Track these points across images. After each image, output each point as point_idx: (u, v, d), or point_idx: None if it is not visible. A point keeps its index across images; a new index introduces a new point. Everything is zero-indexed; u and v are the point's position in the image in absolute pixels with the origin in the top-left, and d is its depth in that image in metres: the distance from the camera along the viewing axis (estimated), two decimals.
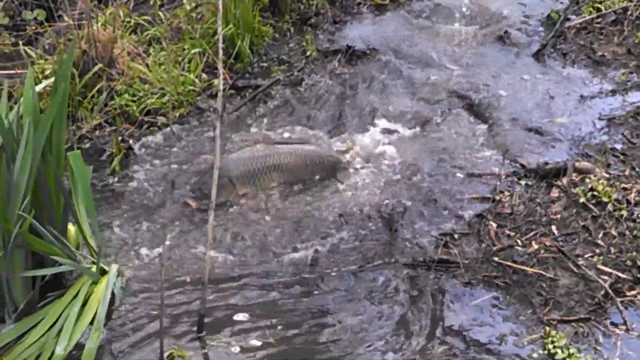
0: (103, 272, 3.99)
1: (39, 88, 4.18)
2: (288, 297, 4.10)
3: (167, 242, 4.33)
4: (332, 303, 4.05)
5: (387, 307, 3.97)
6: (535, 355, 3.64)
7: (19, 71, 5.19)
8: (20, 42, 5.47)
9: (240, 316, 3.99)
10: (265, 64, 5.62)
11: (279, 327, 3.94)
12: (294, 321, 3.97)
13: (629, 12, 5.86)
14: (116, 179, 4.81)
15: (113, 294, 3.96)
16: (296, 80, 5.50)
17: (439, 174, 4.73)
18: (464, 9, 6.14)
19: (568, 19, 6.01)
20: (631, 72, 5.43)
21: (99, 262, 3.98)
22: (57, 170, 3.89)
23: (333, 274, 4.17)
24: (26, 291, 3.91)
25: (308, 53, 5.74)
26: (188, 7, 5.71)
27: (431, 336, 3.78)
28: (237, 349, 3.79)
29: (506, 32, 5.90)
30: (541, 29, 5.96)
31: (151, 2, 5.84)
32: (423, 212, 4.47)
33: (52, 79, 4.22)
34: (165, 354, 3.61)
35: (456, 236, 4.31)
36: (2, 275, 3.81)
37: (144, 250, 4.35)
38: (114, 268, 4.01)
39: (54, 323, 3.78)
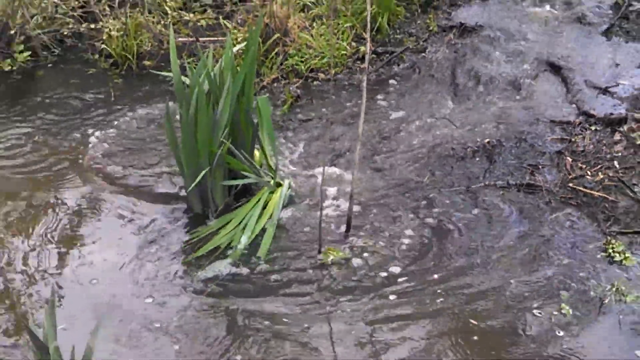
0: (278, 185, 4.19)
1: (235, 50, 4.29)
2: (414, 201, 4.30)
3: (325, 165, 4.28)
4: (444, 207, 4.23)
5: (484, 213, 4.17)
6: (598, 256, 3.80)
7: (220, 38, 5.34)
8: (221, 17, 5.68)
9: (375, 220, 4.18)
10: (398, 36, 5.70)
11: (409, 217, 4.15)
12: (423, 218, 4.16)
13: None
14: (287, 118, 5.01)
15: (285, 201, 4.17)
16: (421, 48, 5.65)
17: (528, 121, 4.81)
18: None
19: (631, 5, 5.83)
20: None
21: (276, 177, 4.21)
22: (248, 109, 4.09)
23: (447, 191, 4.33)
24: (224, 197, 4.19)
25: (430, 28, 5.87)
26: None
27: (516, 238, 3.99)
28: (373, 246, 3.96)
29: (583, 14, 5.81)
30: (610, 12, 5.78)
31: None
32: (515, 148, 4.59)
33: (244, 44, 4.43)
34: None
35: (540, 167, 4.45)
36: (208, 185, 4.06)
37: (305, 170, 4.57)
38: (286, 182, 4.21)
39: (242, 220, 4.04)
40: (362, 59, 5.20)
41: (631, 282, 3.66)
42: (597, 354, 3.32)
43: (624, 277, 3.69)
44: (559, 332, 3.45)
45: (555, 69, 5.37)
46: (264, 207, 4.13)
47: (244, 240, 3.98)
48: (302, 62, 5.39)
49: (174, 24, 5.55)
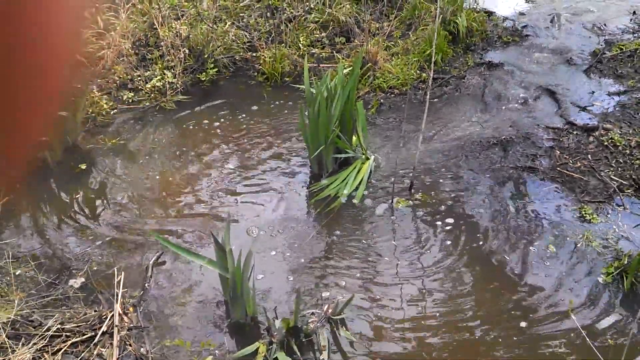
0: (367, 158, 4.23)
1: (343, 72, 4.20)
2: (454, 172, 4.26)
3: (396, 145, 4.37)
4: (473, 174, 4.23)
5: (499, 184, 4.14)
6: (575, 216, 3.77)
7: (334, 65, 5.32)
8: (334, 52, 5.74)
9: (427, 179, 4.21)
10: (447, 68, 5.62)
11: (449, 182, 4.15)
12: (460, 185, 4.17)
13: (638, 51, 5.63)
14: (374, 117, 4.96)
15: (371, 170, 4.22)
16: (462, 76, 5.51)
17: (531, 126, 4.72)
18: (549, 45, 5.87)
19: (604, 53, 5.63)
20: (637, 82, 5.22)
21: (366, 153, 4.25)
22: (351, 110, 4.12)
23: (470, 170, 4.29)
24: (333, 164, 4.25)
25: (469, 63, 5.74)
26: (412, 39, 5.75)
27: (521, 202, 4.01)
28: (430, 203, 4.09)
29: (571, 58, 5.63)
30: (589, 57, 5.59)
31: (394, 36, 5.90)
32: (522, 143, 4.50)
33: (350, 69, 4.46)
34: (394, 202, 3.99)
35: (538, 156, 4.38)
36: (323, 156, 4.15)
37: (384, 150, 4.53)
38: (372, 157, 4.26)
39: (344, 180, 4.13)
40: (424, 82, 5.19)
41: (596, 234, 3.67)
42: (570, 275, 3.31)
43: (591, 230, 3.69)
44: (546, 263, 3.42)
45: (550, 93, 5.21)
46: (358, 172, 4.17)
47: (346, 191, 4.05)
48: (384, 82, 5.36)
49: (305, 55, 5.59)
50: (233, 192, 4.17)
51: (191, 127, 4.96)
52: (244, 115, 5.12)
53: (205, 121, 5.02)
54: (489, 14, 6.66)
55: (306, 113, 4.10)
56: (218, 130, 4.91)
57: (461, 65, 5.75)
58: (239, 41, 5.83)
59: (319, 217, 3.89)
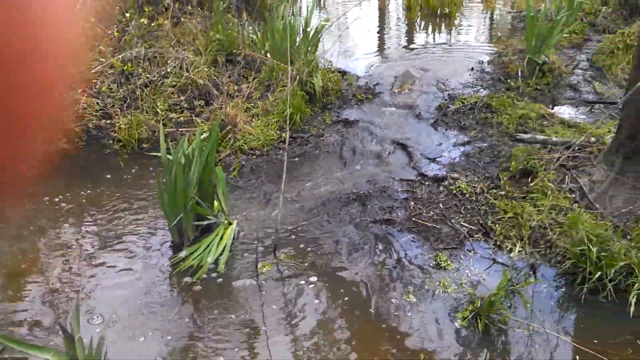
0: (230, 223, 4.13)
1: (202, 136, 4.17)
2: (316, 229, 4.26)
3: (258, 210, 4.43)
4: (334, 230, 4.24)
5: (360, 238, 4.16)
6: (431, 264, 3.87)
7: (193, 129, 5.31)
8: (193, 116, 5.71)
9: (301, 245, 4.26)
10: (306, 127, 5.72)
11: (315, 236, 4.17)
12: (323, 242, 4.18)
13: (477, 104, 5.99)
14: (236, 180, 4.93)
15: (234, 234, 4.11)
16: (321, 134, 5.64)
17: (387, 180, 4.86)
18: (399, 102, 6.20)
19: (448, 107, 5.99)
20: (478, 132, 5.57)
21: (228, 219, 4.16)
22: (210, 175, 4.05)
23: (332, 227, 4.30)
24: (194, 231, 4.11)
25: (326, 122, 5.89)
26: (271, 99, 5.83)
27: (381, 254, 4.03)
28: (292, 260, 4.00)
29: (420, 113, 5.97)
30: (436, 111, 5.95)
31: (254, 97, 6.00)
32: (378, 196, 4.60)
33: (208, 133, 4.41)
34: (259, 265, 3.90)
35: (395, 208, 4.47)
36: (183, 224, 4.00)
37: (247, 213, 4.46)
38: (235, 222, 4.16)
39: (206, 247, 3.99)
40: (284, 142, 5.15)
41: (451, 280, 3.77)
42: (429, 323, 3.40)
43: (447, 276, 3.78)
44: (407, 314, 3.50)
45: (403, 147, 5.45)
46: (221, 238, 4.08)
47: (209, 260, 3.93)
48: (245, 144, 5.40)
49: (162, 120, 5.53)
50: (86, 273, 3.90)
51: (40, 201, 4.63)
52: (98, 186, 4.90)
53: (59, 195, 4.72)
54: (343, 73, 6.98)
55: (164, 180, 3.97)
56: (70, 205, 4.64)
57: (319, 123, 5.89)
58: (90, 109, 5.62)
59: (183, 291, 3.72)
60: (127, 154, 5.39)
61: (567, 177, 4.55)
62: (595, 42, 8.23)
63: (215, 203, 4.26)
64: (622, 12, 8.91)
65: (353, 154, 5.36)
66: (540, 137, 5.15)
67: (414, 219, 4.36)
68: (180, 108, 5.88)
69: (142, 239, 4.23)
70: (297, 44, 6.56)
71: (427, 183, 4.83)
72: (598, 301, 3.50)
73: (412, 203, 4.55)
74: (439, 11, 10.14)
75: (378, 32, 9.71)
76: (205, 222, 4.13)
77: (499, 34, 9.01)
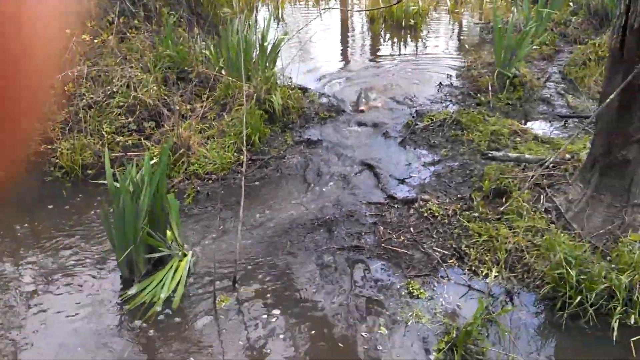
0: (184, 255, 4.11)
1: (152, 162, 4.29)
2: (278, 261, 4.26)
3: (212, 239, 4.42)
4: (298, 259, 4.22)
5: (326, 267, 4.16)
6: (403, 292, 3.87)
7: (142, 153, 5.18)
8: (142, 138, 5.66)
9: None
10: (266, 148, 5.77)
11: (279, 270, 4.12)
12: (286, 272, 4.13)
13: (446, 120, 6.09)
14: (190, 207, 4.91)
15: (189, 267, 4.09)
16: (281, 156, 5.68)
17: (354, 203, 4.91)
18: (365, 119, 6.32)
19: (417, 124, 6.09)
20: (449, 150, 5.67)
21: (183, 250, 4.14)
22: (161, 203, 4.02)
23: (296, 256, 4.30)
24: (145, 265, 4.08)
25: (287, 142, 5.95)
26: (227, 120, 5.88)
27: (349, 284, 4.00)
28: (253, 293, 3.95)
29: (387, 131, 6.07)
30: (403, 129, 6.05)
31: (208, 117, 6.03)
32: (345, 221, 4.65)
33: (159, 157, 4.26)
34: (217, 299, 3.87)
35: (363, 234, 4.50)
36: (133, 257, 3.98)
37: (204, 242, 4.44)
38: (190, 253, 4.14)
39: (159, 282, 3.94)
40: (242, 164, 5.18)
41: (425, 309, 3.77)
42: (404, 356, 3.41)
43: (420, 306, 3.79)
44: (378, 347, 3.50)
45: (370, 167, 5.51)
46: (175, 271, 4.03)
47: (162, 295, 3.88)
48: (200, 168, 5.38)
49: (109, 144, 5.46)
50: (26, 315, 3.78)
51: None
52: (37, 218, 4.79)
53: None
54: (305, 90, 7.07)
55: (111, 210, 3.95)
56: (6, 239, 4.51)
57: (280, 144, 5.94)
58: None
59: (134, 332, 3.63)
60: (70, 182, 5.29)
61: (542, 196, 4.63)
62: (567, 54, 8.55)
63: (168, 233, 4.22)
64: (592, 21, 9.25)
65: (317, 177, 5.41)
66: (513, 154, 5.24)
67: (383, 244, 4.38)
68: (128, 130, 5.82)
69: (87, 276, 4.14)
70: (254, 59, 6.63)
71: (396, 206, 4.87)
72: (579, 327, 3.53)
73: (382, 228, 4.57)
74: (403, 23, 10.35)
75: (341, 46, 9.88)
76: (158, 255, 4.07)
77: (467, 47, 9.24)
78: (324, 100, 6.78)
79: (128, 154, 5.50)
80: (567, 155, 5.04)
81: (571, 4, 9.80)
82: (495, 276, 3.94)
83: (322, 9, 11.28)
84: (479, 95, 7.02)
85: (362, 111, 6.57)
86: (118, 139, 5.71)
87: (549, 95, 7.15)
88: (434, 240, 4.43)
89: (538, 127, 6.39)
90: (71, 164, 5.32)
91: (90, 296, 3.95)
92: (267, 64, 6.69)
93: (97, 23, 6.67)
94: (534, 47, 7.86)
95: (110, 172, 3.97)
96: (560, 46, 8.91)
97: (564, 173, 4.83)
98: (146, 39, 6.94)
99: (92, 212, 4.89)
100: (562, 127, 6.38)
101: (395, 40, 10.04)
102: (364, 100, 6.76)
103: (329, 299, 3.89)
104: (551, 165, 4.87)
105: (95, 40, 6.40)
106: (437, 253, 4.28)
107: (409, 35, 10.18)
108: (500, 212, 4.55)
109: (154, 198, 3.97)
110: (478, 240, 4.30)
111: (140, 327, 3.69)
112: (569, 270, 3.59)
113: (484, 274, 4.02)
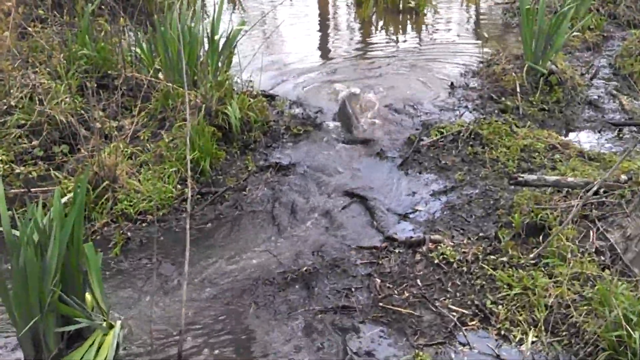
0: (111, 326, 4.07)
1: (64, 200, 4.19)
2: (238, 330, 4.22)
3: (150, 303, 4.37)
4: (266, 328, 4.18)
5: (304, 337, 4.11)
6: None
7: (50, 188, 5.13)
8: (51, 168, 5.55)
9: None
10: (220, 177, 5.73)
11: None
12: (248, 346, 4.09)
13: (461, 134, 6.09)
14: (118, 260, 4.87)
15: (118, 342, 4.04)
16: (242, 187, 5.66)
17: (340, 248, 4.89)
18: (352, 135, 6.30)
19: (422, 140, 6.12)
20: (465, 174, 5.66)
21: (108, 319, 4.10)
22: (77, 256, 3.98)
23: (262, 323, 4.26)
24: (57, 342, 3.99)
25: (249, 168, 5.91)
26: (167, 140, 5.87)
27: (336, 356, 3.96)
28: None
29: (382, 150, 6.05)
30: (404, 147, 6.04)
31: (141, 137, 5.98)
32: (329, 273, 4.63)
33: (73, 194, 4.24)
34: None
35: (353, 289, 4.47)
36: (40, 332, 3.88)
37: (138, 308, 4.42)
38: (118, 323, 4.11)
39: None
40: (187, 200, 5.09)
41: None
42: None
43: None
44: None
45: (361, 199, 5.51)
46: (99, 349, 3.98)
47: None
48: (131, 206, 5.33)
49: (5, 177, 5.40)
50: None
51: None
52: None
53: None
54: (271, 98, 7.05)
55: (9, 267, 3.89)
56: None
57: (240, 171, 5.93)
58: None
59: None
60: None
61: (591, 232, 4.62)
62: (618, 41, 8.59)
63: (88, 297, 4.20)
64: None
65: (290, 214, 5.43)
66: (551, 177, 5.19)
67: (381, 303, 4.37)
68: (32, 158, 5.77)
69: None
70: (202, 58, 6.59)
71: (397, 250, 4.87)
72: None
73: (378, 281, 4.57)
74: (401, 5, 10.37)
75: (319, 38, 9.87)
76: (74, 327, 4.00)
77: (486, 34, 9.16)
78: (297, 110, 6.83)
79: (32, 190, 5.41)
80: (623, 176, 5.06)
81: None
82: (533, 342, 3.90)
83: None
84: (503, 98, 7.02)
85: (348, 124, 6.55)
86: (18, 170, 5.61)
87: (596, 97, 7.17)
88: (449, 295, 4.41)
89: (584, 139, 6.40)
90: None
91: None
92: (220, 65, 6.69)
93: None
94: (575, 33, 7.85)
95: (6, 217, 3.88)
96: (609, 31, 8.95)
97: (620, 200, 4.83)
98: (55, 35, 6.88)
99: None
100: (616, 139, 6.38)
101: (391, 28, 10.08)
102: (350, 109, 6.68)
103: None
104: (602, 190, 4.85)
105: None
106: (454, 313, 4.25)
107: (408, 21, 10.23)
108: (536, 255, 4.53)
109: (67, 250, 3.93)
110: (508, 294, 4.26)
111: None
112: (631, 331, 3.55)
113: (517, 339, 3.98)
